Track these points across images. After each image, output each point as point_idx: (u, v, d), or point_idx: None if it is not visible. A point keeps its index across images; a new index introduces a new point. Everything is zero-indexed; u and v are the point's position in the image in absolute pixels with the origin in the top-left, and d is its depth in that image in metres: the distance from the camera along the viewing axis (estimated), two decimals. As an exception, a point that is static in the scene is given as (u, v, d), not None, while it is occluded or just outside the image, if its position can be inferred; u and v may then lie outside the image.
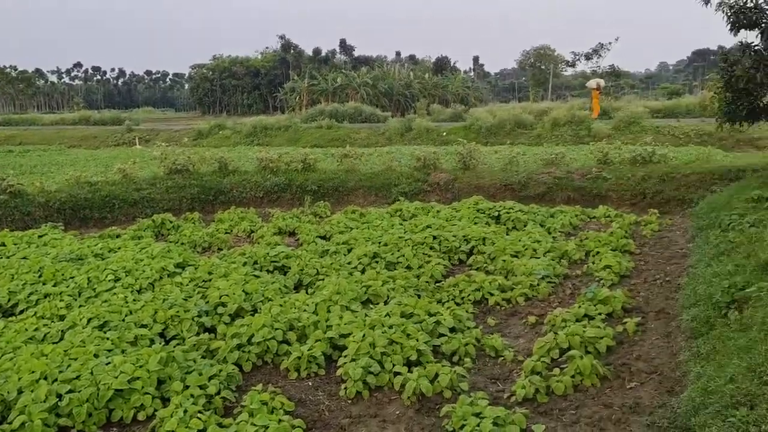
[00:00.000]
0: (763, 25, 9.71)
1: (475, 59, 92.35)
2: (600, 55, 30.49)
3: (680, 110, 27.67)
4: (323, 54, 78.56)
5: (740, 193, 9.34)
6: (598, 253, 9.14)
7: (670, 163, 14.18)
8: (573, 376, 5.22)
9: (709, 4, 9.90)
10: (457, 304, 7.42)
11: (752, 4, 9.42)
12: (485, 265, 9.11)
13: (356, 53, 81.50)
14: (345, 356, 5.52)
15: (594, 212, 12.39)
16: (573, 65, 43.57)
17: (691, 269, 7.61)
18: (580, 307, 6.79)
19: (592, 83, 30.02)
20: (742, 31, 10.10)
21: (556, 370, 5.33)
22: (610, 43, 30.83)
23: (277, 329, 5.98)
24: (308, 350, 5.64)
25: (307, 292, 7.59)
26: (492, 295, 7.73)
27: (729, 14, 9.68)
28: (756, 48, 10.07)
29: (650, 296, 7.44)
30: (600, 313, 6.69)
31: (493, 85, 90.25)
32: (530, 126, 26.10)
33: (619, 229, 10.51)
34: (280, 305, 6.68)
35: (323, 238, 11.01)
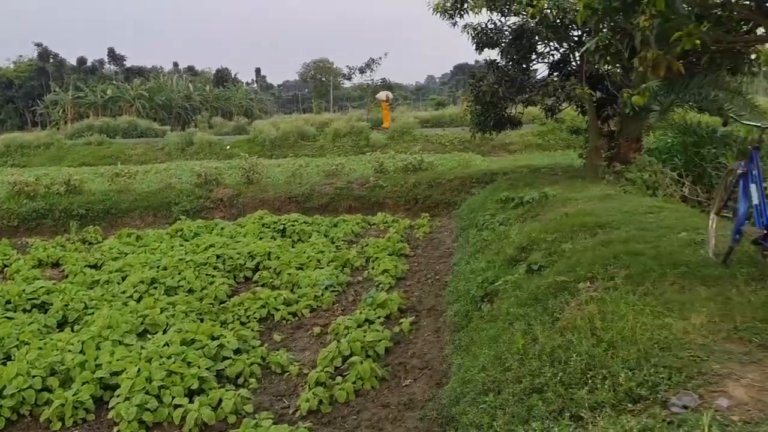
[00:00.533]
0: (502, 44, 11.08)
1: (257, 71, 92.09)
2: (372, 69, 32.68)
3: (445, 120, 30.36)
4: (89, 64, 72.23)
5: (493, 195, 10.54)
6: (377, 258, 9.65)
7: (436, 169, 15.51)
8: (354, 382, 5.44)
9: (456, 26, 11.07)
10: (243, 324, 7.31)
11: (492, 26, 10.73)
12: (271, 280, 9.10)
13: (128, 63, 76.36)
14: (117, 396, 5.14)
15: (373, 219, 13.10)
16: (349, 78, 45.76)
17: (455, 267, 8.41)
18: (361, 312, 7.10)
19: (381, 95, 31.59)
20: (487, 49, 11.43)
21: (339, 379, 5.52)
22: (380, 58, 33.36)
23: (35, 376, 5.35)
24: (73, 395, 5.13)
25: (73, 330, 6.90)
26: (278, 310, 7.73)
27: (473, 35, 10.92)
28: (498, 65, 11.44)
29: (423, 295, 8.05)
30: (379, 317, 7.06)
31: (277, 97, 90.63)
32: (313, 138, 26.74)
33: (395, 233, 11.24)
34: (40, 348, 5.99)
35: (93, 267, 10.11)
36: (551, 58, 10.68)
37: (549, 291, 4.84)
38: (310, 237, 11.57)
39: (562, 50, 10.54)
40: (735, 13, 4.09)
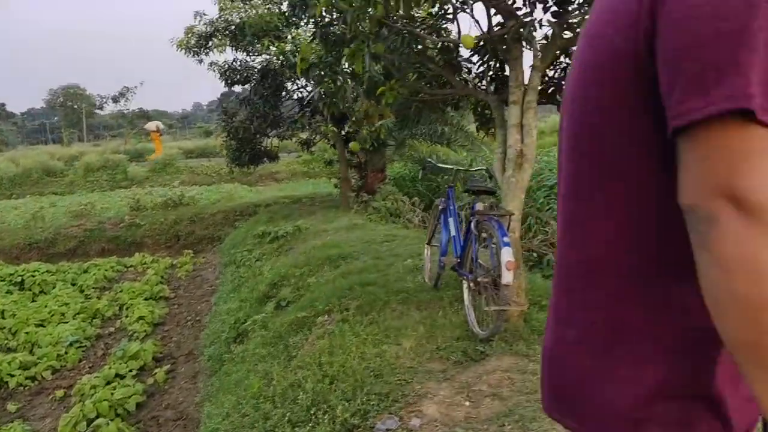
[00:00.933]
0: (253, 81, 11.28)
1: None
2: (127, 98, 30.80)
3: (211, 150, 29.75)
4: None
5: (252, 229, 10.65)
6: (131, 305, 9.12)
7: (199, 204, 15.16)
8: (98, 447, 5.11)
9: (202, 63, 11.04)
10: (-33, 400, 6.40)
11: (238, 65, 10.90)
12: (6, 342, 8.09)
13: None
14: None
15: (130, 261, 12.33)
16: (101, 108, 42.55)
17: (214, 307, 8.32)
18: (110, 368, 6.66)
19: (151, 125, 29.82)
20: (238, 86, 11.56)
21: (82, 445, 5.13)
22: (135, 87, 31.62)
23: None
24: None
25: None
26: (12, 376, 6.91)
27: (220, 73, 10.98)
28: (250, 100, 11.61)
29: (182, 339, 7.81)
30: (131, 370, 6.69)
31: (20, 127, 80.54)
32: (61, 173, 24.30)
33: (154, 275, 10.73)
34: None
35: None
36: (299, 95, 11.19)
37: (291, 328, 5.07)
38: (54, 287, 10.51)
39: (308, 88, 11.13)
40: (429, 68, 4.72)
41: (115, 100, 32.55)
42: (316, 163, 24.93)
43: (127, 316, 8.78)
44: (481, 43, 4.11)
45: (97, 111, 52.92)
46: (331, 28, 4.03)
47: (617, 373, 0.89)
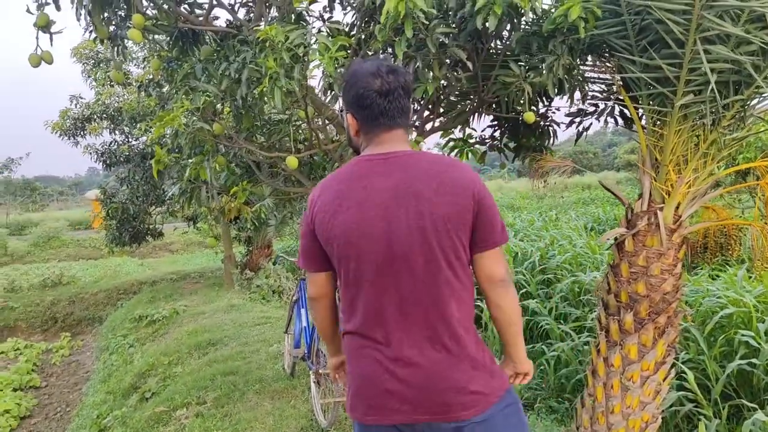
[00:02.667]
0: (134, 162, 11.28)
1: None
2: (11, 170, 29.41)
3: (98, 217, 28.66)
4: None
5: (132, 311, 10.45)
6: (-5, 399, 8.64)
7: (79, 282, 14.62)
8: None
9: (78, 145, 10.99)
10: None
11: (115, 147, 10.92)
12: None
13: None
14: None
15: (2, 347, 11.65)
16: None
17: (84, 398, 8.06)
18: (-36, 472, 6.33)
19: (91, 194, 28.38)
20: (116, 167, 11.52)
21: None
22: (20, 158, 30.39)
23: None
24: None
25: None
26: None
27: (97, 156, 10.96)
28: (131, 180, 11.57)
29: (48, 435, 7.52)
30: (-12, 473, 6.39)
31: None
32: (-71, 250, 22.60)
33: (26, 362, 10.21)
34: None
35: None
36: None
37: (148, 424, 5.09)
38: None
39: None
40: (282, 171, 5.10)
41: (-1, 171, 31.03)
42: (205, 237, 24.83)
43: (-10, 412, 8.32)
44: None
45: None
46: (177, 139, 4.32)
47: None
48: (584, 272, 7.66)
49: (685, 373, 4.60)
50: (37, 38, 3.78)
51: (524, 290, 7.70)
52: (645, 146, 3.67)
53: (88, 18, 3.57)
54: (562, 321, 6.92)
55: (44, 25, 3.77)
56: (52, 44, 3.82)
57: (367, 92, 1.83)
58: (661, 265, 3.67)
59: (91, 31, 3.84)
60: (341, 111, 2.05)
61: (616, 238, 3.86)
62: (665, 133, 3.50)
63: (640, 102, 3.58)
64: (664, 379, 3.75)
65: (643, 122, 3.73)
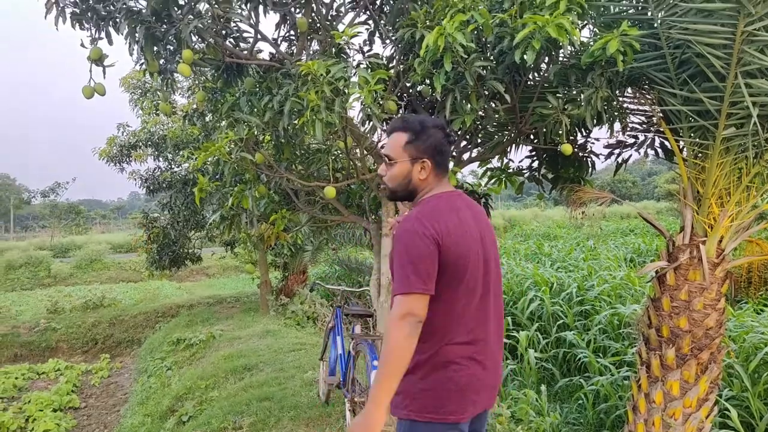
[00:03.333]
0: (176, 188, 11.56)
1: None
2: (57, 194, 30.53)
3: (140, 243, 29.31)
4: None
5: (170, 334, 10.61)
6: (36, 418, 8.84)
7: (119, 305, 14.93)
8: None
9: (123, 171, 11.34)
10: None
11: (159, 173, 11.23)
12: None
13: None
14: None
15: (43, 367, 11.94)
16: (28, 202, 41.72)
17: (122, 420, 8.19)
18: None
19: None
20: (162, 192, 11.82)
21: None
22: (68, 182, 31.52)
23: None
24: None
25: None
26: None
27: (141, 182, 11.29)
28: (173, 206, 11.85)
29: (86, 456, 7.64)
30: (28, 492, 6.51)
31: (-60, 217, 77.12)
32: (-22, 271, 23.43)
33: (66, 383, 10.43)
34: None
35: None
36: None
37: (185, 448, 5.16)
38: (-44, 399, 10.06)
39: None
40: (319, 199, 5.19)
41: (45, 195, 32.04)
42: (242, 262, 25.17)
43: (32, 430, 8.51)
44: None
45: (29, 202, 51.79)
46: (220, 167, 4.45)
47: None
48: (624, 304, 7.52)
49: (728, 410, 4.46)
50: (90, 71, 3.96)
51: (561, 321, 7.59)
52: (686, 178, 3.63)
53: (140, 52, 3.73)
54: (600, 354, 6.78)
55: (97, 59, 3.95)
56: (104, 77, 4.00)
57: (443, 142, 2.33)
58: (704, 299, 3.60)
59: (141, 65, 4.01)
60: (416, 159, 2.31)
61: (657, 271, 3.81)
62: (707, 166, 3.46)
63: (680, 134, 3.56)
64: (706, 417, 3.65)
65: (684, 154, 3.70)
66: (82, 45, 3.93)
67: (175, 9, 3.58)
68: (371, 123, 4.52)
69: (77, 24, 3.81)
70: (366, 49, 4.56)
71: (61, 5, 3.71)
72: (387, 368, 2.01)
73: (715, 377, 3.68)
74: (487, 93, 3.73)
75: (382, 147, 2.54)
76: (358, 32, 3.77)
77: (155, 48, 3.76)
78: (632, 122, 4.05)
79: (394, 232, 2.51)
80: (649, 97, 3.83)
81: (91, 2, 3.71)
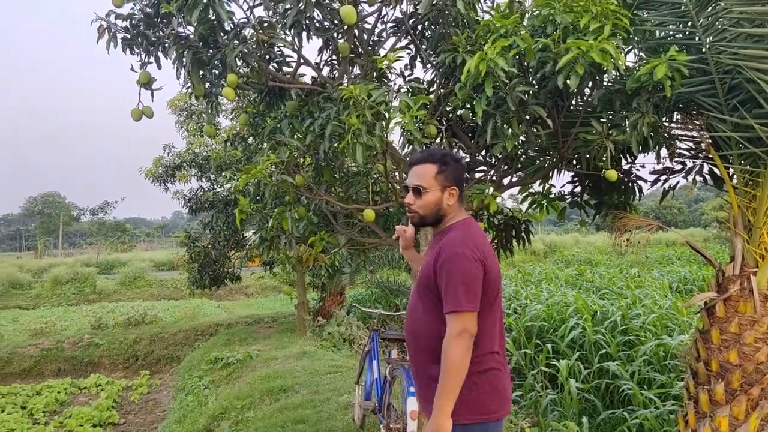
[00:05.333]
0: (217, 208, 11.78)
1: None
2: (106, 212, 31.50)
3: (182, 262, 29.86)
4: None
5: (208, 352, 10.71)
6: (77, 433, 9.00)
7: (160, 322, 15.17)
8: None
9: (168, 191, 11.61)
10: None
11: (201, 193, 11.46)
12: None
13: None
14: None
15: (85, 382, 12.18)
16: (77, 219, 43.12)
17: (159, 437, 8.27)
18: (44, 503, 6.57)
19: None
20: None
21: None
22: (116, 201, 32.57)
23: None
24: None
25: None
26: None
27: (184, 201, 11.53)
28: (214, 225, 12.04)
29: (123, 472, 7.72)
30: (66, 506, 6.60)
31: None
32: (28, 286, 24.17)
33: (106, 399, 10.60)
34: None
35: None
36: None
37: (219, 468, 5.16)
38: (2, 411, 10.32)
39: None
40: (357, 221, 5.20)
41: (94, 213, 33.06)
42: (280, 282, 25.38)
43: (71, 445, 8.66)
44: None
45: (78, 220, 53.59)
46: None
47: None
48: (670, 335, 7.28)
49: (782, 451, 4.22)
50: (139, 94, 4.08)
51: (604, 351, 7.37)
52: (736, 207, 3.50)
53: (187, 76, 3.82)
54: (645, 386, 6.55)
55: (146, 83, 4.07)
56: (152, 100, 4.12)
57: (464, 173, 2.61)
58: (755, 333, 3.45)
59: (188, 88, 4.11)
60: (445, 188, 2.53)
61: (706, 302, 3.67)
62: (758, 194, 3.34)
63: (731, 161, 3.45)
64: (759, 457, 3.47)
65: (734, 182, 3.58)
66: (132, 69, 4.06)
67: (222, 35, 3.66)
68: (411, 146, 4.52)
69: (128, 49, 3.94)
70: (407, 73, 4.59)
71: (113, 31, 3.84)
72: (450, 381, 2.25)
73: (766, 414, 3.50)
74: (528, 118, 3.69)
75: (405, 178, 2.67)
76: (400, 57, 3.79)
77: (201, 72, 3.85)
78: (680, 148, 3.94)
79: (402, 240, 3.01)
80: (698, 122, 3.73)
81: (141, 28, 3.83)
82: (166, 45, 3.80)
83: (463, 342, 2.27)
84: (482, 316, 2.38)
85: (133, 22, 3.88)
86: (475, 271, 2.34)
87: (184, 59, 3.66)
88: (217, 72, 3.94)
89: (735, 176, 3.58)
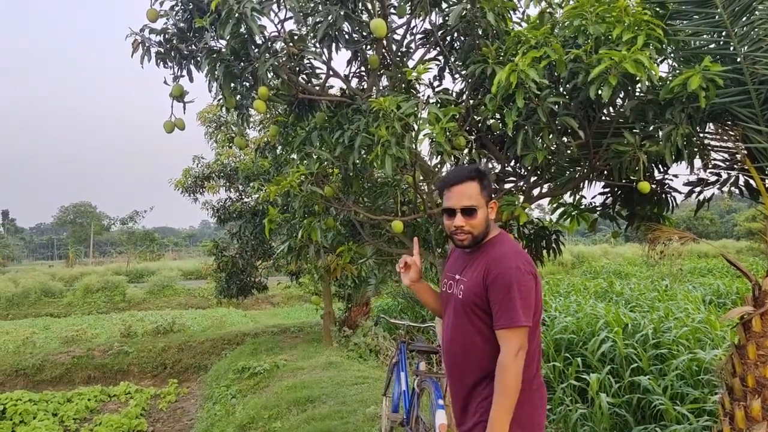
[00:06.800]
0: (245, 218, 11.90)
1: (5, 213, 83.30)
2: (135, 221, 32.11)
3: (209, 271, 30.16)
4: None
5: (235, 362, 10.78)
6: (103, 441, 9.11)
7: (188, 331, 15.33)
8: None
9: (197, 201, 11.77)
10: None
11: (230, 203, 11.59)
12: (-24, 477, 8.07)
13: None
14: None
15: (115, 390, 12.34)
16: (108, 229, 43.94)
17: (187, 445, 8.33)
18: None
19: None
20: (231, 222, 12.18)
21: None
22: (145, 211, 33.16)
23: None
24: None
25: None
26: None
27: (213, 211, 11.67)
28: (242, 235, 12.18)
29: (151, 480, 7.79)
30: None
31: (28, 242, 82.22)
32: (60, 294, 24.65)
33: (135, 407, 10.73)
34: None
35: None
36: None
37: (247, 478, 5.17)
38: (34, 417, 10.50)
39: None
40: (385, 232, 5.20)
41: (124, 222, 33.75)
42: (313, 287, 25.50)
43: (101, 452, 8.78)
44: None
45: (108, 229, 54.61)
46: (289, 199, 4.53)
47: None
48: (704, 349, 7.11)
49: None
50: (171, 107, 4.14)
51: (635, 365, 7.24)
52: (774, 219, 3.42)
53: (219, 88, 3.87)
54: (678, 401, 6.41)
55: (179, 95, 4.14)
56: (184, 112, 4.18)
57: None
58: (795, 349, 3.35)
59: (219, 100, 4.17)
60: (488, 203, 2.54)
61: (742, 317, 3.58)
62: (797, 206, 3.26)
63: (767, 172, 3.37)
64: (799, 477, 3.36)
65: (772, 193, 3.49)
66: (165, 82, 4.13)
67: (253, 48, 3.71)
68: (440, 157, 4.51)
69: (161, 62, 4.01)
70: (435, 84, 4.59)
71: (147, 45, 3.92)
72: (509, 399, 2.24)
73: (807, 433, 3.40)
74: (559, 129, 3.66)
75: (443, 199, 2.61)
76: (429, 68, 3.80)
77: (233, 85, 3.90)
78: (714, 159, 3.87)
79: (410, 274, 2.85)
80: (733, 133, 3.66)
81: (174, 42, 3.90)
82: (199, 58, 3.86)
83: (521, 360, 2.27)
84: (533, 331, 2.38)
85: (167, 36, 3.95)
86: (530, 285, 2.34)
87: (216, 72, 3.71)
88: (248, 84, 3.99)
89: (772, 188, 3.50)
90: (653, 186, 4.07)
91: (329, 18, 3.74)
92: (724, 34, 3.36)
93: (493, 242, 2.51)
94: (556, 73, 3.48)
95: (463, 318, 2.49)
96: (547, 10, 3.77)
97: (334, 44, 4.01)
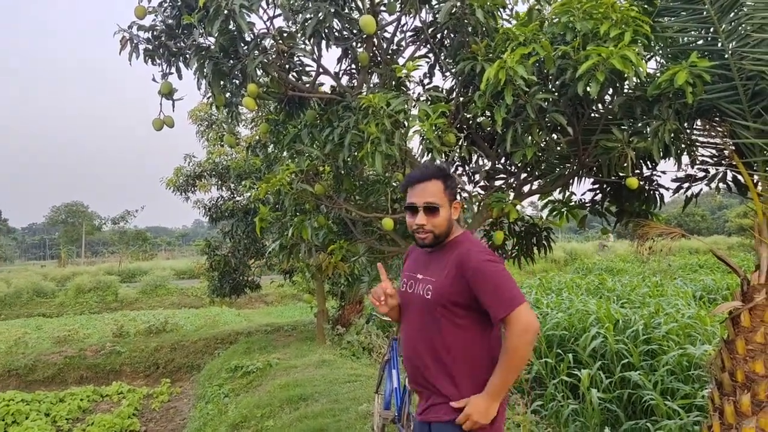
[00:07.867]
0: (237, 217, 11.87)
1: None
2: (127, 221, 31.96)
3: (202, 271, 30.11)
4: None
5: (228, 360, 10.76)
6: (99, 440, 9.09)
7: (181, 330, 15.28)
8: None
9: (188, 200, 11.74)
10: None
11: (222, 202, 11.57)
12: (-33, 479, 8.03)
13: None
14: None
15: (107, 390, 12.29)
16: (99, 228, 43.74)
17: (179, 445, 8.31)
18: None
19: None
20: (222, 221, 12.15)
21: None
22: (136, 210, 33.03)
23: None
24: None
25: None
26: None
27: (205, 210, 11.64)
28: (234, 234, 12.15)
29: (144, 480, 7.77)
30: None
31: (20, 242, 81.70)
32: (52, 294, 24.51)
33: (128, 406, 10.69)
34: None
35: None
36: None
37: (239, 477, 5.16)
38: (27, 418, 10.45)
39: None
40: (377, 230, 5.20)
41: (115, 222, 33.57)
42: (306, 286, 25.46)
43: (93, 452, 8.75)
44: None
45: (100, 229, 54.33)
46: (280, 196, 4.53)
47: None
48: (694, 345, 7.16)
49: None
50: (160, 104, 4.13)
51: (626, 361, 7.28)
52: (761, 214, 3.45)
53: (208, 86, 3.87)
54: (668, 397, 6.45)
55: (167, 93, 4.13)
56: (173, 110, 4.17)
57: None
58: (783, 343, 3.38)
59: (209, 98, 4.16)
60: (451, 202, 2.53)
61: (731, 312, 3.61)
62: (784, 201, 3.28)
63: (755, 168, 3.40)
64: (788, 470, 3.39)
65: (759, 189, 3.52)
66: (154, 80, 4.12)
67: (242, 45, 3.70)
68: (430, 154, 4.52)
69: (149, 60, 4.00)
70: (426, 81, 4.59)
71: (135, 42, 3.90)
72: (513, 375, 2.26)
73: (796, 427, 3.43)
74: (548, 125, 3.68)
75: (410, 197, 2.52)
76: (419, 65, 3.80)
77: (222, 82, 3.90)
78: (702, 155, 3.89)
79: (383, 308, 2.56)
80: (720, 129, 3.68)
81: (163, 39, 3.88)
82: (187, 56, 3.86)
83: (531, 336, 2.24)
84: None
85: (155, 33, 3.94)
86: (507, 271, 2.35)
87: (205, 69, 3.70)
88: (237, 82, 3.98)
89: (760, 183, 3.53)
90: (641, 182, 4.09)
91: (319, 15, 3.74)
92: (711, 30, 3.38)
93: (457, 241, 2.49)
94: (544, 70, 3.49)
95: (434, 316, 2.41)
96: (536, 7, 3.78)
97: (323, 41, 4.01)
